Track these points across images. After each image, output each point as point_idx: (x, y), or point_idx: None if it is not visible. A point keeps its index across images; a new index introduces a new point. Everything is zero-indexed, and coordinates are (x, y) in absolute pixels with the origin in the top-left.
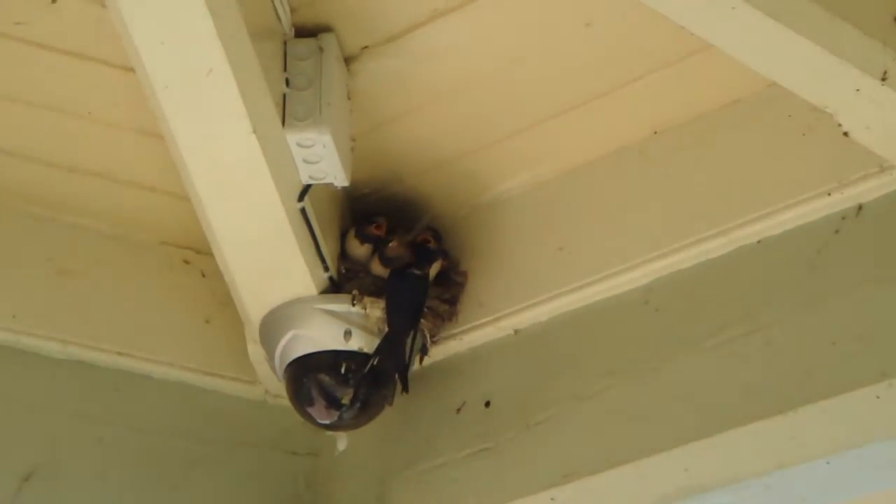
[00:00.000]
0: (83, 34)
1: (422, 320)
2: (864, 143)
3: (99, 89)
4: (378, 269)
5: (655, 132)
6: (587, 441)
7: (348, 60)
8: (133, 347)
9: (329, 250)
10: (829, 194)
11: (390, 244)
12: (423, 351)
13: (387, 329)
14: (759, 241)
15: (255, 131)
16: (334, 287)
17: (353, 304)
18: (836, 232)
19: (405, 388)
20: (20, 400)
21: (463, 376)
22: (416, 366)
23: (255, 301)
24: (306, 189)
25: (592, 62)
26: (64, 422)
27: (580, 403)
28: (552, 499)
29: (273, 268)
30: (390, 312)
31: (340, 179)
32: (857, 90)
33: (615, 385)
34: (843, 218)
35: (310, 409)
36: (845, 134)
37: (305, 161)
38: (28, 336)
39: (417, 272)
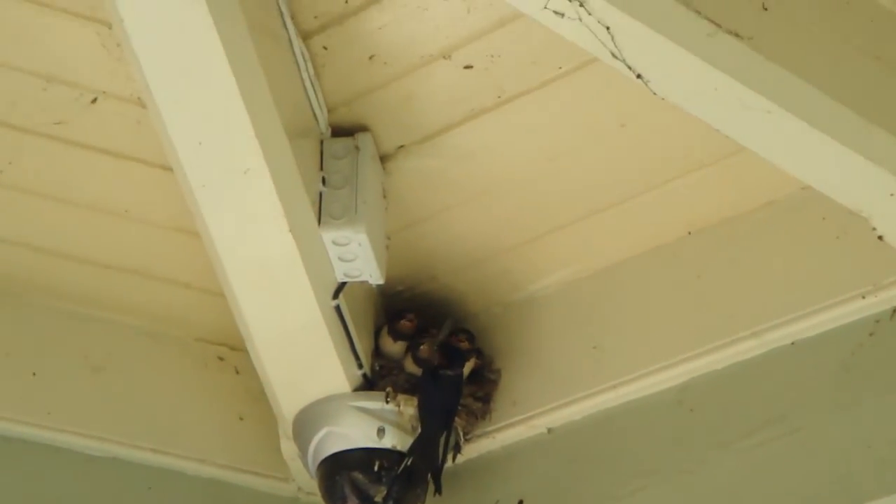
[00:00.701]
0: (122, 134)
1: (455, 418)
2: None
3: (136, 187)
4: (412, 366)
5: (689, 232)
6: None
7: (384, 159)
8: (167, 444)
9: (363, 347)
10: (864, 297)
11: (421, 346)
12: (457, 449)
13: (420, 428)
14: (792, 343)
15: (291, 230)
16: (368, 384)
17: (387, 402)
18: (871, 335)
19: (438, 490)
20: (56, 498)
21: (496, 475)
22: (449, 463)
23: (288, 398)
24: (341, 287)
25: (627, 163)
26: None
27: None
28: None
29: (307, 365)
30: (423, 412)
31: (375, 277)
32: (892, 194)
33: (649, 486)
34: (878, 321)
35: None
36: (880, 238)
37: (341, 259)
38: (63, 433)
39: (450, 373)
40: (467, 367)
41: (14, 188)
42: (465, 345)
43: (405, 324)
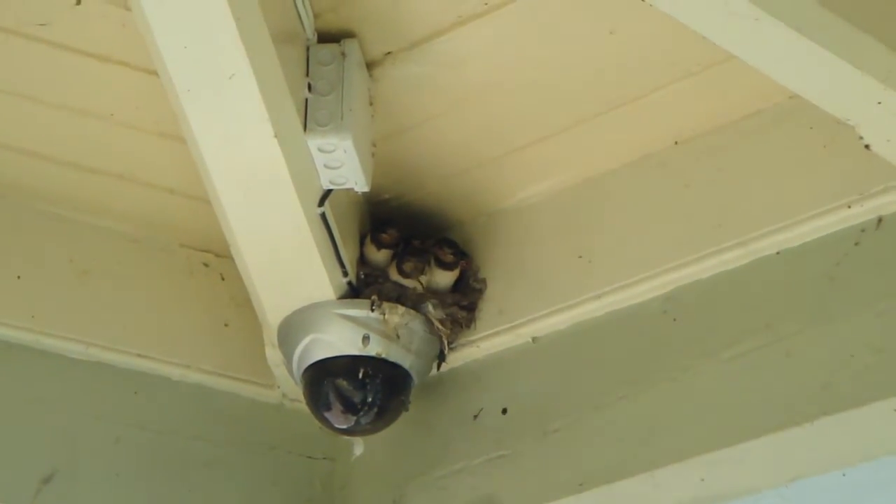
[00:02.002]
0: (107, 36)
1: (440, 326)
2: (885, 156)
3: (121, 92)
4: (396, 275)
5: (677, 142)
6: (604, 450)
7: (371, 66)
8: (152, 349)
9: (348, 255)
10: (850, 206)
11: (406, 263)
12: (441, 357)
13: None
14: (778, 253)
15: (276, 135)
16: (353, 292)
17: (372, 310)
18: (856, 244)
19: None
20: (39, 400)
21: (480, 383)
22: (433, 372)
23: (273, 305)
24: (327, 194)
25: (615, 71)
26: (83, 423)
27: (597, 412)
28: None
29: (292, 272)
30: None
31: (361, 185)
32: (879, 103)
33: (632, 394)
34: (863, 230)
35: (327, 414)
36: (867, 146)
37: (326, 166)
38: (47, 336)
39: None
40: (451, 277)
41: None
42: (448, 258)
43: (385, 238)
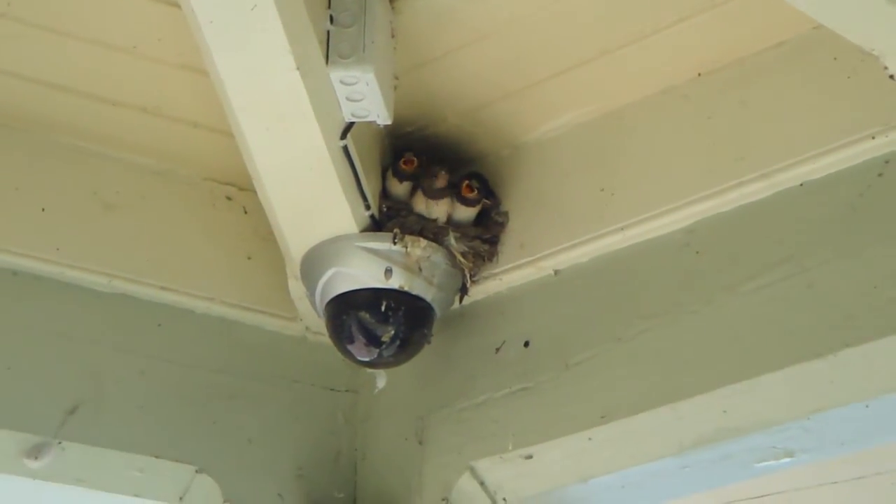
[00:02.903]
0: None
1: (462, 260)
2: None
3: (144, 24)
4: (420, 205)
5: (699, 74)
6: (625, 382)
7: None
8: (175, 282)
9: (371, 189)
10: (874, 138)
11: (439, 173)
12: (463, 290)
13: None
14: (801, 185)
15: (298, 68)
16: (376, 225)
17: (395, 243)
18: (880, 175)
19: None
20: (64, 332)
21: (502, 316)
22: (455, 305)
23: (296, 238)
24: (349, 127)
25: (637, 2)
26: (107, 355)
27: (619, 345)
28: (590, 439)
29: (315, 205)
30: None
31: (383, 118)
32: None
33: (654, 327)
34: (887, 162)
35: (349, 347)
36: (891, 77)
37: (348, 99)
38: (72, 269)
39: None
40: (473, 212)
41: (21, 22)
42: (473, 194)
43: (404, 165)
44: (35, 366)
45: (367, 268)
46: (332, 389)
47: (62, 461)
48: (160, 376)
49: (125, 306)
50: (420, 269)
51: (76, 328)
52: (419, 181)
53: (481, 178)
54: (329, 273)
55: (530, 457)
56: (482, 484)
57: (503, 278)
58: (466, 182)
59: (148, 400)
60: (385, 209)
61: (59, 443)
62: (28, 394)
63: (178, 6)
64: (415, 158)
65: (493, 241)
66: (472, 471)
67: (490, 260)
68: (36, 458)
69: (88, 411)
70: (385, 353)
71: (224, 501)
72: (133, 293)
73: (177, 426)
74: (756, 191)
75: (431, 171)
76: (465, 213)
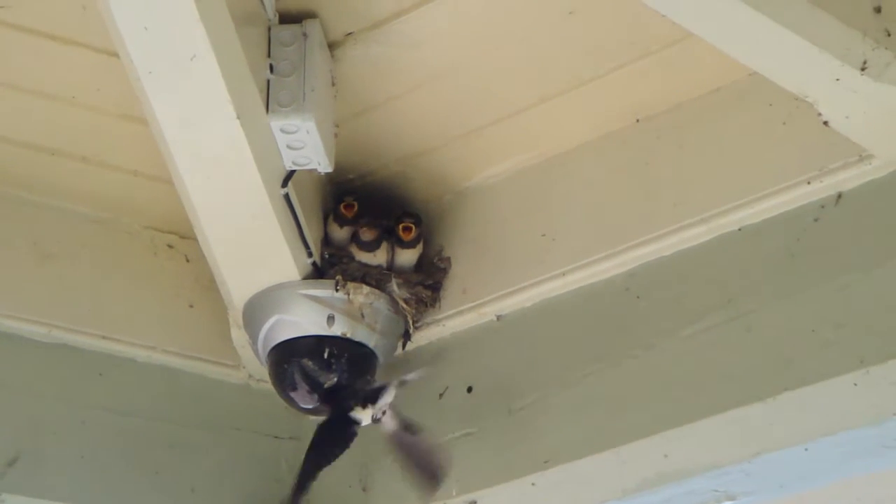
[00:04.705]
0: (68, 18)
1: (405, 306)
2: (843, 132)
3: (83, 74)
4: (359, 253)
5: (638, 120)
6: (568, 427)
7: (332, 46)
8: (117, 331)
9: (312, 236)
10: (809, 183)
11: (362, 229)
12: (406, 336)
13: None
14: (739, 229)
15: (238, 117)
16: (318, 272)
17: (337, 290)
18: (816, 220)
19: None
20: (3, 383)
21: (446, 362)
22: (399, 351)
23: (238, 286)
24: (290, 175)
25: (575, 50)
26: (47, 405)
27: (562, 389)
28: (533, 484)
29: (256, 253)
30: (309, 455)
31: (324, 165)
32: (837, 80)
33: (596, 371)
34: (823, 206)
35: (292, 394)
36: (825, 123)
37: (289, 147)
38: (11, 319)
39: (353, 421)
40: (413, 255)
41: None
42: (410, 235)
43: (343, 209)
44: None
45: (309, 315)
46: (275, 437)
47: None
48: (101, 426)
49: (65, 356)
50: (363, 316)
51: (16, 378)
52: (356, 233)
53: (415, 217)
54: (271, 321)
55: (474, 502)
56: None
57: (446, 324)
58: (402, 225)
59: (89, 450)
60: (327, 256)
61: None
62: None
63: (117, 56)
64: (355, 203)
65: (436, 287)
66: None
67: (433, 306)
68: None
69: (28, 462)
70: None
71: None
72: (73, 343)
73: (118, 476)
74: (695, 235)
75: (360, 229)
76: (406, 256)
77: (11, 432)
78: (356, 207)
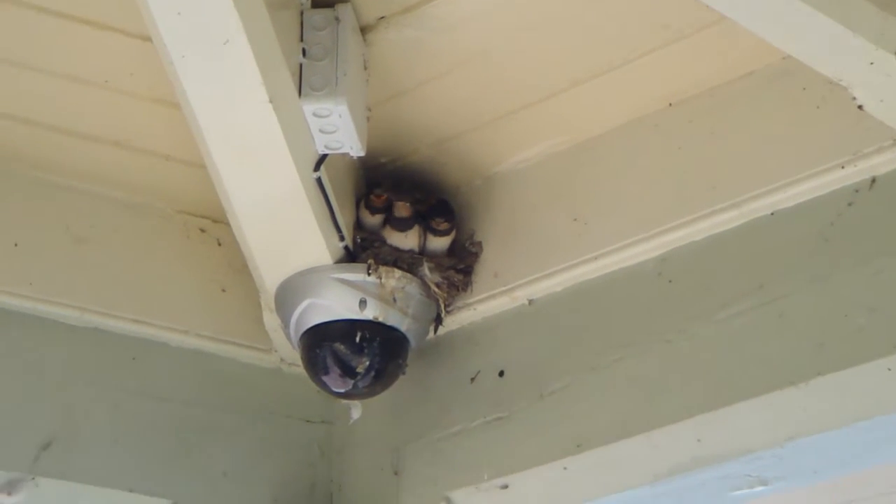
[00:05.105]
0: (101, 3)
1: (437, 290)
2: (878, 117)
3: (116, 58)
4: (391, 236)
5: (670, 104)
6: (600, 411)
7: (365, 30)
8: (149, 315)
9: (345, 220)
10: (843, 167)
11: (398, 204)
12: (438, 321)
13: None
14: (772, 214)
15: (271, 101)
16: (350, 256)
17: (369, 274)
18: (850, 204)
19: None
20: (37, 367)
21: (477, 346)
22: (430, 335)
23: (270, 270)
24: (322, 159)
25: (609, 33)
26: (81, 389)
27: (593, 374)
28: (565, 468)
29: (289, 237)
30: None
31: (356, 149)
32: (872, 63)
33: (628, 356)
34: (857, 191)
35: (324, 378)
36: (860, 107)
37: (321, 131)
38: (45, 303)
39: None
40: (446, 242)
41: None
42: (442, 226)
43: (375, 198)
44: (8, 401)
45: (341, 299)
46: (307, 421)
47: (36, 497)
48: (134, 410)
49: (98, 340)
50: (394, 300)
51: (49, 363)
52: (389, 212)
53: (446, 206)
54: (303, 305)
55: (506, 486)
56: None
57: (477, 308)
58: (434, 213)
59: (122, 434)
60: (359, 240)
61: (33, 478)
62: (1, 429)
63: (150, 40)
64: (384, 194)
65: (468, 272)
66: (448, 501)
67: (464, 290)
68: (10, 493)
69: (62, 446)
70: (360, 385)
71: None
72: (106, 327)
73: (151, 460)
74: (727, 220)
75: (395, 203)
76: (438, 244)
77: (45, 416)
78: (385, 198)
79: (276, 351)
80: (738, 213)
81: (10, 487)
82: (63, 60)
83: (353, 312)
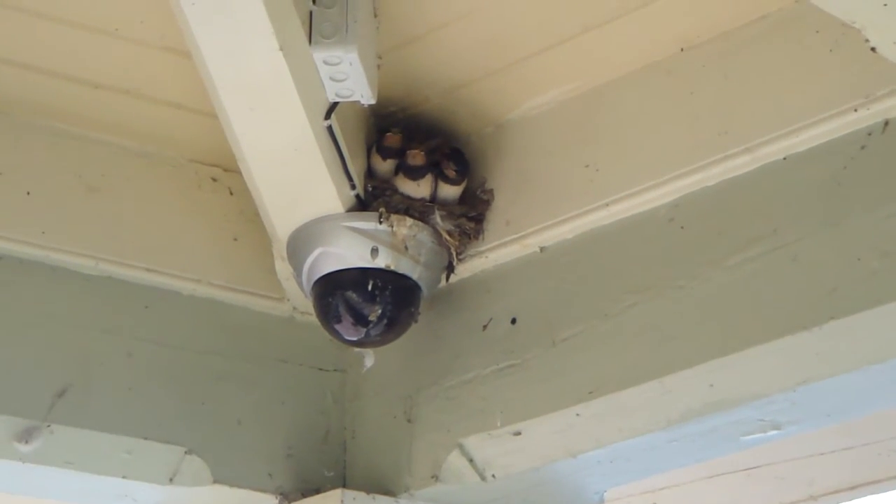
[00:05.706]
0: None
1: (448, 238)
2: (891, 59)
3: (126, 6)
4: (403, 184)
5: (682, 49)
6: (613, 357)
7: None
8: (162, 264)
9: (356, 168)
10: (856, 110)
11: (411, 151)
12: (450, 269)
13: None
14: (785, 158)
15: (281, 48)
16: (361, 205)
17: (380, 222)
18: (863, 148)
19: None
20: (52, 316)
21: (489, 294)
22: (442, 283)
23: (282, 218)
24: (333, 107)
25: None
26: (95, 337)
27: (606, 320)
28: (578, 414)
29: (300, 185)
30: None
31: (367, 97)
32: (885, 5)
33: (640, 302)
34: (870, 134)
35: (337, 326)
36: (873, 49)
37: (332, 79)
38: (57, 252)
39: None
40: (457, 190)
41: (2, 5)
42: (452, 174)
43: (390, 137)
44: (23, 350)
45: (353, 247)
46: (320, 369)
47: (52, 444)
48: (148, 358)
49: (112, 288)
50: (406, 248)
51: (63, 311)
52: (402, 159)
53: (459, 155)
54: (315, 253)
55: (519, 433)
56: (471, 461)
57: (489, 256)
58: (447, 161)
59: (136, 382)
60: (370, 188)
61: (49, 426)
62: (16, 378)
63: None
64: (399, 134)
65: (479, 219)
66: (461, 448)
67: (476, 238)
68: (26, 441)
69: (77, 394)
70: (372, 333)
71: (213, 482)
72: (119, 275)
73: (165, 408)
74: (740, 165)
75: (408, 151)
76: (450, 192)
77: (60, 365)
78: (400, 138)
79: (288, 299)
80: (751, 157)
81: (25, 435)
82: (73, 8)
83: (364, 261)
